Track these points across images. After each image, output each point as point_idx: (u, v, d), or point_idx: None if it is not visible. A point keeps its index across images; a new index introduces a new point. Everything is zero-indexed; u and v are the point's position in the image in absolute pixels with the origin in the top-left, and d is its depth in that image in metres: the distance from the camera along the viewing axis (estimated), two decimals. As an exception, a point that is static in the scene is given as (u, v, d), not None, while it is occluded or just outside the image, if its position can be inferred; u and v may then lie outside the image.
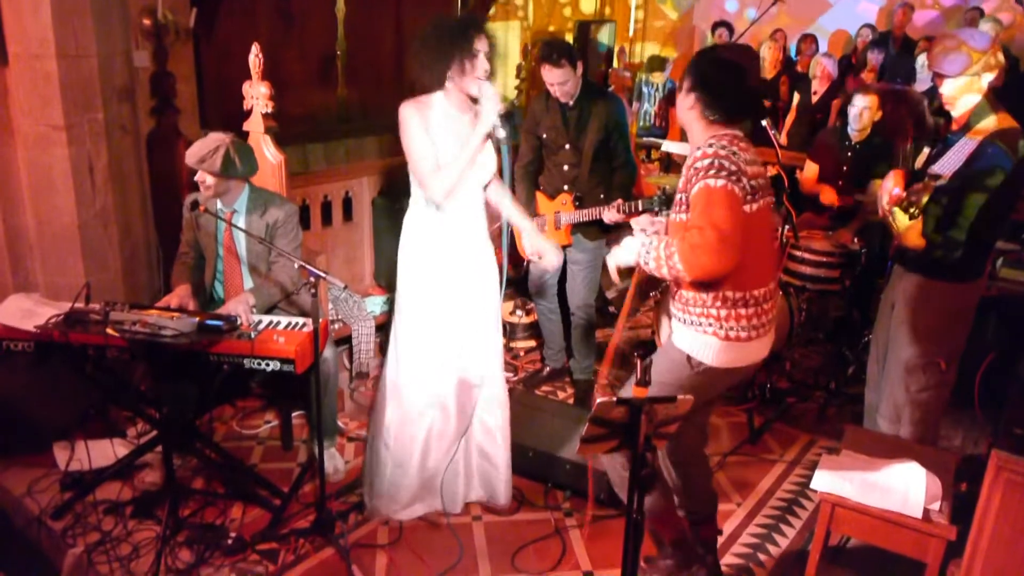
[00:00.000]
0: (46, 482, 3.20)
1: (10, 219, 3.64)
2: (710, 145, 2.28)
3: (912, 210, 2.70)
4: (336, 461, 3.44)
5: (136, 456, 3.20)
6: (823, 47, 7.85)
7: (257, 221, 3.21)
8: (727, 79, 2.39)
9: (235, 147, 3.08)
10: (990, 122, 2.75)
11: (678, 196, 2.39)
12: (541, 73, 3.67)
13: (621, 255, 2.48)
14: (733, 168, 2.24)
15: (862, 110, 4.36)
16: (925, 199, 2.68)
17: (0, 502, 3.21)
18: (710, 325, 2.40)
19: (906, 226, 2.78)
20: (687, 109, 2.43)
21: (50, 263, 3.66)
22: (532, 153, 3.94)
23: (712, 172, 2.22)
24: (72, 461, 3.18)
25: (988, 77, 2.74)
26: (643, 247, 2.37)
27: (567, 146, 3.75)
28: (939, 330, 2.94)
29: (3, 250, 3.68)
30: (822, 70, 6.08)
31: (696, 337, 2.43)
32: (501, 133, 2.70)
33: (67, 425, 3.38)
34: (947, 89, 2.79)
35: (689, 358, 2.45)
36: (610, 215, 3.68)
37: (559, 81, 3.60)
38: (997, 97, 2.81)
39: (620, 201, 3.67)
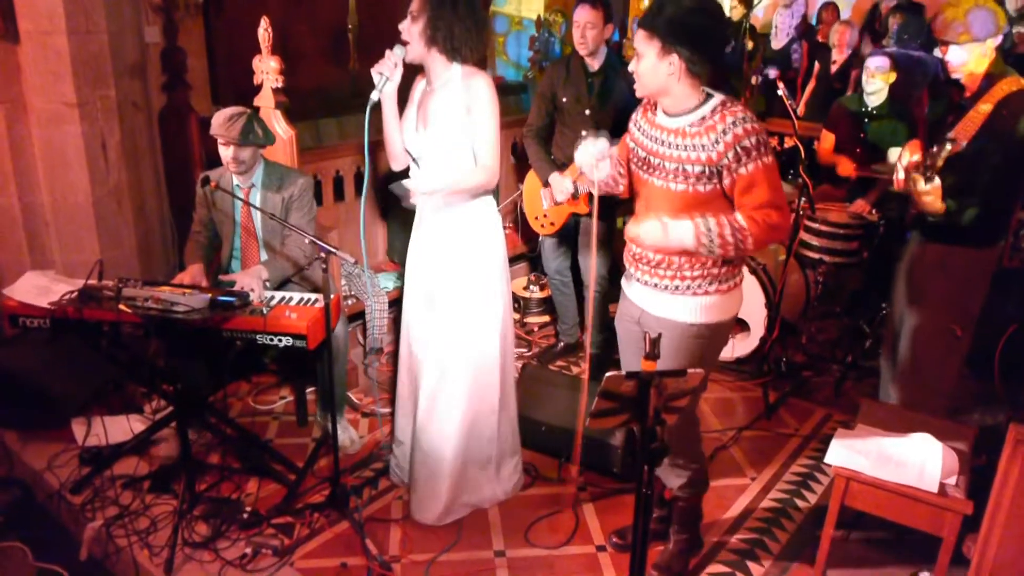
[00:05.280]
0: (65, 457, 3.24)
1: (25, 196, 3.66)
2: (740, 117, 2.17)
3: (928, 173, 2.67)
4: (350, 433, 3.46)
5: (152, 431, 3.24)
6: (845, 15, 7.66)
7: (273, 195, 3.22)
8: (708, 24, 2.20)
9: (255, 115, 3.15)
10: (1002, 86, 2.71)
11: (693, 168, 2.23)
12: (574, 15, 3.69)
13: (674, 236, 2.21)
14: (767, 137, 2.20)
15: (874, 72, 4.26)
16: (941, 162, 2.64)
17: (21, 476, 3.27)
18: (711, 283, 2.36)
19: (924, 191, 2.74)
20: (666, 75, 2.20)
21: (65, 240, 3.69)
22: (544, 119, 3.91)
23: (764, 150, 2.18)
24: (90, 436, 3.21)
25: (994, 42, 2.71)
26: (702, 234, 2.19)
27: (587, 112, 3.72)
28: (954, 297, 2.93)
29: (19, 228, 3.71)
30: (840, 37, 5.94)
31: (702, 301, 2.37)
32: (373, 96, 2.62)
33: (85, 401, 3.41)
34: (954, 56, 2.76)
35: (707, 326, 2.39)
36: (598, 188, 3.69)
37: (588, 21, 3.61)
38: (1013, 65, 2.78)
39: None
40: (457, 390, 2.87)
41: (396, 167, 2.90)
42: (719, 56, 2.27)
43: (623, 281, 2.61)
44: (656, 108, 2.37)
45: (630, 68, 2.30)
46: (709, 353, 2.48)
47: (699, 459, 2.70)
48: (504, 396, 2.99)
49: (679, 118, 2.27)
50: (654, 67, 2.21)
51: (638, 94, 2.34)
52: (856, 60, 5.98)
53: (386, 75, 2.60)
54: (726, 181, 2.23)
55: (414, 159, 2.85)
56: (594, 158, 2.35)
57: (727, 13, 6.92)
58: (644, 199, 2.44)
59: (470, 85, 2.66)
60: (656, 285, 2.42)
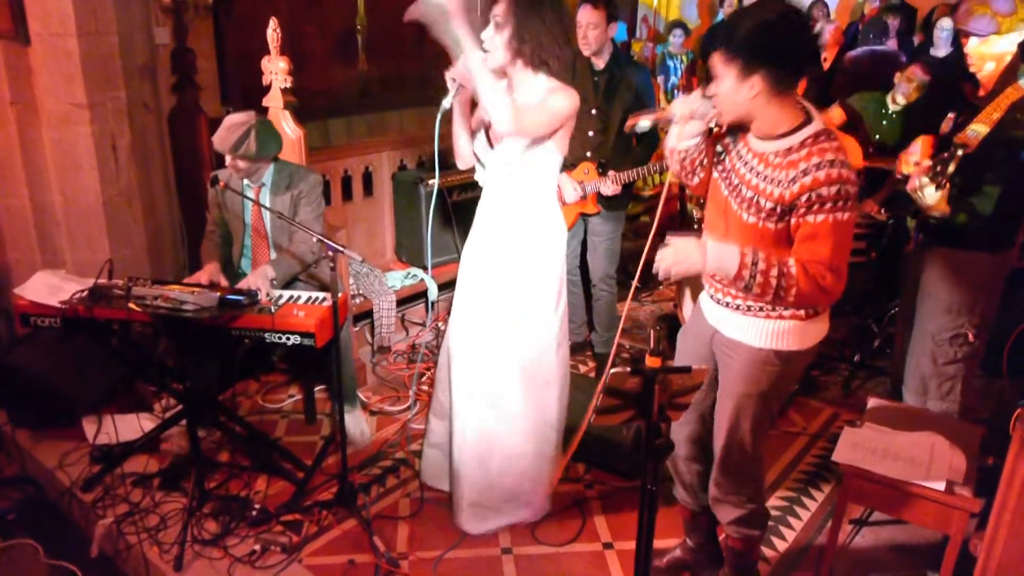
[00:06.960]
0: (76, 455, 3.27)
1: (37, 197, 3.69)
2: (828, 159, 1.95)
3: (939, 180, 2.64)
4: (361, 425, 3.47)
5: (162, 430, 3.27)
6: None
7: (283, 194, 3.24)
8: (791, 36, 1.97)
9: (261, 126, 3.12)
10: (1017, 87, 2.67)
11: (765, 204, 2.04)
12: (577, 16, 3.65)
13: (713, 261, 1.99)
14: (855, 190, 1.97)
15: (910, 92, 4.36)
16: (952, 168, 2.62)
17: (33, 475, 3.30)
18: (787, 308, 2.14)
19: (932, 196, 2.72)
20: (748, 98, 2.00)
21: (77, 240, 3.72)
22: None
23: (842, 204, 1.94)
24: (100, 435, 3.23)
25: (1016, 39, 2.68)
26: (746, 266, 1.97)
27: (594, 111, 3.72)
28: (966, 302, 2.89)
29: (31, 228, 3.74)
30: (830, 37, 6.05)
31: (775, 325, 2.17)
32: (445, 103, 2.55)
33: (95, 400, 3.44)
34: (973, 49, 2.73)
35: (777, 353, 2.19)
36: (607, 187, 3.70)
37: (591, 21, 3.59)
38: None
39: (613, 172, 3.69)
40: (519, 402, 2.78)
41: (461, 166, 2.81)
42: (806, 71, 2.06)
43: (700, 297, 2.43)
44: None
45: (710, 91, 2.09)
46: (777, 385, 2.26)
47: (757, 499, 2.45)
48: (561, 409, 2.91)
49: (767, 142, 2.08)
50: (734, 90, 2.00)
51: (723, 121, 2.14)
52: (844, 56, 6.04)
53: (460, 82, 2.49)
54: (792, 221, 2.03)
55: (480, 161, 2.76)
56: (688, 110, 2.13)
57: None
58: (721, 217, 2.21)
59: (551, 95, 2.50)
60: (728, 304, 2.24)
